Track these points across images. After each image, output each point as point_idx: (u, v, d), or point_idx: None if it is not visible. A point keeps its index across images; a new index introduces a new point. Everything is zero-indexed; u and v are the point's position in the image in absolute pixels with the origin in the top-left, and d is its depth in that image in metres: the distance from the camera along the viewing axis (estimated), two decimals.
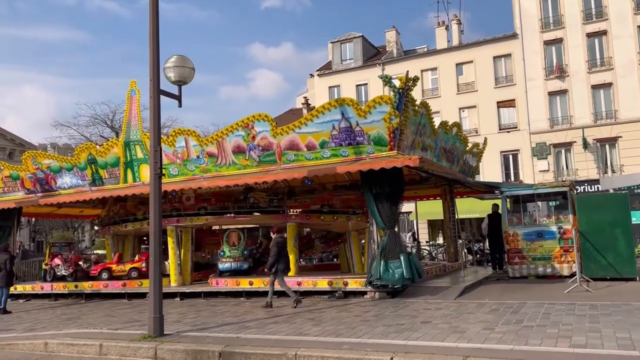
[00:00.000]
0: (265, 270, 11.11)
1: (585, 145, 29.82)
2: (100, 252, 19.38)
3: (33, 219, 32.46)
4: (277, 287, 10.78)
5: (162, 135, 11.74)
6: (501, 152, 31.87)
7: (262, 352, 6.69)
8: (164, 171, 9.67)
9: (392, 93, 10.88)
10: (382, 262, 10.77)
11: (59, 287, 14.75)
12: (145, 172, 13.40)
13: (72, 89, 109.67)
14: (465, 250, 19.68)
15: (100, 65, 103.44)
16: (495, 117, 32.66)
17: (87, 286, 14.41)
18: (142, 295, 13.05)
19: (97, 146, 15.31)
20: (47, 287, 14.98)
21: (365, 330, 7.56)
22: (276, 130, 11.83)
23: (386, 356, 6.02)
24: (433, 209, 20.94)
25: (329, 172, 11.61)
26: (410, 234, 26.03)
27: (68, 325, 9.76)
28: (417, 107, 11.60)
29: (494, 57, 33.09)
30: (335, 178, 14.93)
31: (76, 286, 14.53)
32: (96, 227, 19.25)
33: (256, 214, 14.26)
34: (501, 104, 32.73)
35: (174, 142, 13.06)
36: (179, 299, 12.77)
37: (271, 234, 11.73)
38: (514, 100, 32.23)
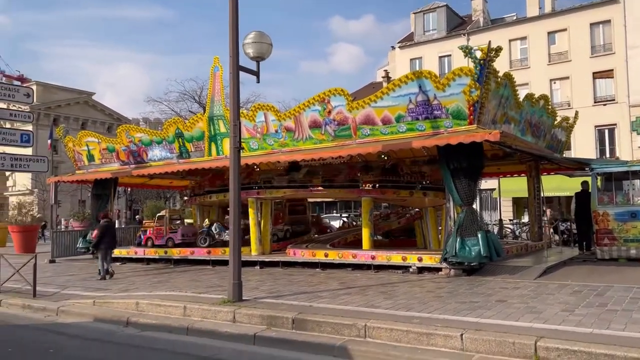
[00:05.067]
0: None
1: None
2: (189, 221, 20.45)
3: (129, 189, 34.80)
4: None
5: (242, 110, 12.17)
6: (595, 126, 29.82)
7: (333, 321, 6.87)
8: (243, 145, 10.04)
9: (473, 64, 10.48)
10: (458, 239, 10.58)
11: (150, 253, 15.86)
12: (228, 146, 13.91)
13: (161, 66, 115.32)
14: (551, 229, 18.78)
15: (185, 42, 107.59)
16: (590, 88, 30.51)
17: (175, 252, 15.37)
18: (226, 263, 13.66)
19: (184, 121, 16.10)
20: (140, 252, 16.16)
21: (437, 306, 7.52)
22: (352, 105, 11.82)
23: (456, 332, 5.98)
24: (518, 186, 20.11)
25: (405, 146, 11.47)
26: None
27: (157, 288, 10.52)
28: (499, 79, 11.10)
29: (591, 24, 30.76)
30: (412, 153, 14.74)
31: (165, 252, 15.56)
32: (185, 198, 20.34)
33: (332, 188, 14.41)
34: (597, 75, 30.48)
35: (254, 117, 13.45)
36: (258, 268, 13.31)
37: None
38: (612, 70, 29.89)
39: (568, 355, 5.24)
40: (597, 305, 7.22)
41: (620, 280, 9.25)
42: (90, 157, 17.55)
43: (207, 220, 16.38)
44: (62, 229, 28.67)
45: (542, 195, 15.44)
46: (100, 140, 17.43)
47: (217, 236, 15.54)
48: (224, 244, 15.31)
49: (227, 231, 15.37)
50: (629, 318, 6.35)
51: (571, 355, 5.23)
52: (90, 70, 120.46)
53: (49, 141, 22.46)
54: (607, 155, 29.64)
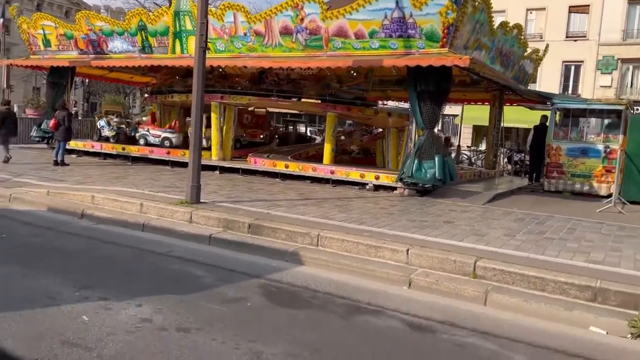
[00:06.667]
0: None
1: None
2: (145, 118, 20.05)
3: (87, 80, 33.41)
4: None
5: (211, 8, 11.60)
6: (563, 61, 30.03)
7: (288, 228, 7.09)
8: (210, 45, 9.66)
9: None
10: (415, 161, 10.83)
11: (107, 148, 15.58)
12: (193, 45, 13.39)
13: None
14: (506, 159, 19.42)
15: None
16: (564, 22, 30.35)
17: (134, 150, 15.16)
18: (185, 165, 13.61)
19: (149, 13, 15.26)
20: (97, 147, 15.84)
21: (388, 222, 7.85)
22: (326, 14, 11.45)
23: (402, 247, 6.30)
24: (480, 114, 20.40)
25: (375, 64, 11.37)
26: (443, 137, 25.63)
27: (114, 183, 10.46)
28: (477, 3, 10.91)
29: None
30: (381, 72, 14.60)
31: (123, 149, 15.32)
32: (145, 95, 19.78)
33: (296, 99, 14.27)
34: (573, 9, 30.24)
35: (222, 16, 12.87)
36: (218, 172, 13.35)
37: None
38: (588, 6, 29.66)
39: (503, 275, 5.65)
40: (537, 232, 7.70)
41: (562, 212, 9.81)
42: (47, 42, 16.61)
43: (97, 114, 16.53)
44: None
45: (502, 125, 15.79)
46: (57, 25, 16.43)
47: (101, 131, 16.44)
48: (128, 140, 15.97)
49: (109, 127, 16.50)
50: (563, 246, 6.83)
51: (506, 275, 5.63)
52: None
53: (1, 20, 20.98)
54: (570, 91, 30.16)
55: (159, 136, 15.39)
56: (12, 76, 20.22)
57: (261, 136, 17.21)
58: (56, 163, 12.97)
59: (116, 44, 15.17)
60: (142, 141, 15.61)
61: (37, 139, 17.00)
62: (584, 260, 6.15)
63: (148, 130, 15.74)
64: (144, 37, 14.50)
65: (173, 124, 16.00)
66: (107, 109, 19.34)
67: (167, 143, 15.24)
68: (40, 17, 16.93)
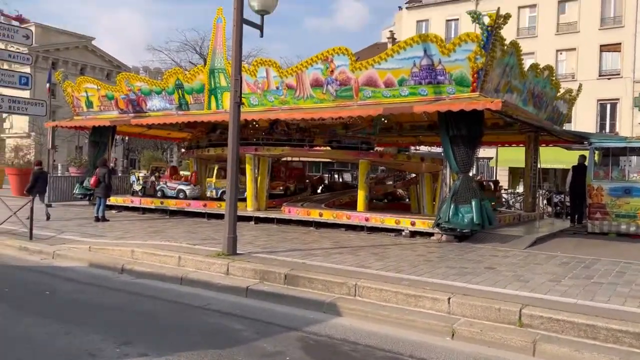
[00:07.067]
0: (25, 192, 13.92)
1: None
2: (186, 173, 20.59)
3: (126, 138, 34.67)
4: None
5: (244, 65, 12.01)
6: (598, 100, 29.62)
7: (324, 278, 7.02)
8: (244, 100, 9.96)
9: (480, 31, 10.32)
10: (452, 206, 10.67)
11: (146, 202, 15.96)
12: (228, 100, 13.82)
13: (164, 14, 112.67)
14: (545, 201, 18.94)
15: None
16: (596, 61, 30.14)
17: (171, 203, 15.48)
18: (221, 217, 13.82)
19: (185, 72, 15.91)
20: (136, 201, 16.26)
21: (427, 270, 7.67)
22: (355, 65, 11.69)
23: (443, 296, 6.13)
24: (515, 156, 20.15)
25: (406, 110, 11.43)
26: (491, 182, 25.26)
27: (153, 237, 10.65)
28: (505, 47, 10.96)
29: None
30: (412, 118, 14.68)
31: (162, 202, 15.67)
32: (182, 150, 20.35)
33: (330, 148, 14.43)
34: (604, 48, 30.06)
35: (255, 72, 13.30)
36: (253, 223, 13.46)
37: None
38: (619, 44, 29.47)
39: (551, 323, 5.40)
40: (584, 277, 7.38)
41: (609, 254, 9.41)
42: (89, 104, 17.42)
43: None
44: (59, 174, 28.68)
45: (538, 166, 15.50)
46: (99, 87, 17.26)
47: (132, 186, 17.25)
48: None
49: (138, 181, 17.51)
50: (613, 291, 6.51)
51: (554, 323, 5.38)
52: (90, 13, 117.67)
53: (47, 85, 22.14)
54: (607, 130, 29.58)
55: (175, 188, 16.06)
56: (56, 136, 21.14)
57: (294, 186, 17.38)
58: (97, 219, 13.34)
59: (154, 103, 15.78)
60: (159, 193, 16.37)
61: (80, 196, 17.61)
62: (637, 305, 5.83)
63: (166, 183, 16.41)
64: (181, 95, 15.06)
65: (190, 176, 16.44)
66: (156, 165, 19.99)
67: (181, 195, 15.83)
68: (83, 80, 17.86)
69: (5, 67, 15.80)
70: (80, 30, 63.75)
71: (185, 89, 14.94)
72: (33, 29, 41.43)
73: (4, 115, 47.26)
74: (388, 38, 41.31)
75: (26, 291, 7.20)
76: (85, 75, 29.43)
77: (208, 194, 15.71)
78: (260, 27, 9.14)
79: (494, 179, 25.56)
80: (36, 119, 40.62)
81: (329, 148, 14.64)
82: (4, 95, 13.49)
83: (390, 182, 17.45)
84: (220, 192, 15.33)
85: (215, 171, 15.66)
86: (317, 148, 14.51)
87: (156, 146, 47.77)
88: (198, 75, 14.75)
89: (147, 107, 16.01)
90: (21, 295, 6.98)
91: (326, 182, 20.86)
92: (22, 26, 20.16)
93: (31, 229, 10.48)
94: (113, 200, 16.28)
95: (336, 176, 23.31)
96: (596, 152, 12.79)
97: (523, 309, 5.61)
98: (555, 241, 11.35)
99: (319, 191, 18.76)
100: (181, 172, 20.87)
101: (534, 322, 5.48)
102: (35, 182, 13.70)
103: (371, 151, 13.88)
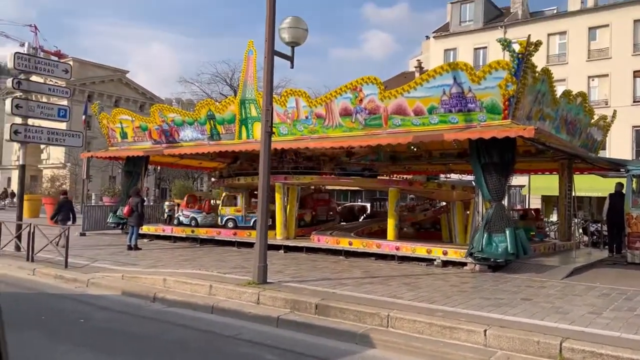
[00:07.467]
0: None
1: None
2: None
3: (158, 167, 35.41)
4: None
5: (274, 95, 12.20)
6: (633, 126, 28.98)
7: (356, 309, 6.91)
8: (274, 130, 10.05)
9: (510, 58, 10.28)
10: (485, 235, 10.47)
11: (177, 231, 16.14)
12: (258, 130, 14.01)
13: (194, 47, 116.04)
14: (581, 230, 18.40)
15: (219, 25, 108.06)
16: (630, 87, 29.62)
17: (202, 232, 15.62)
18: (250, 245, 13.87)
19: (216, 103, 16.25)
20: (167, 230, 16.46)
21: (461, 301, 7.49)
22: (384, 94, 11.74)
23: (480, 328, 5.95)
24: (548, 183, 19.75)
25: (436, 138, 11.36)
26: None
27: (184, 266, 10.72)
28: (537, 74, 10.87)
29: (635, 21, 29.73)
30: (442, 146, 14.58)
31: (192, 231, 15.82)
32: (213, 179, 20.62)
33: (358, 177, 14.44)
34: (638, 74, 29.51)
35: (285, 102, 13.48)
36: (282, 252, 13.43)
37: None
38: None
39: (594, 358, 5.18)
40: (626, 309, 7.09)
41: None
42: (124, 135, 17.88)
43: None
44: (92, 204, 29.38)
45: (573, 194, 15.13)
46: (134, 119, 17.73)
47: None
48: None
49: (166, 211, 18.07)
50: None
51: (597, 358, 5.16)
52: (124, 48, 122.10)
53: (83, 117, 22.92)
54: None
55: (188, 216, 16.37)
56: (91, 166, 21.73)
57: (326, 215, 17.41)
58: (130, 247, 13.53)
59: (187, 133, 16.10)
60: (175, 221, 16.80)
61: (113, 224, 17.95)
62: None
63: (182, 211, 16.73)
64: (213, 125, 15.34)
65: (203, 204, 16.62)
66: (193, 194, 20.16)
67: (193, 222, 16.17)
68: (118, 112, 18.40)
69: (44, 99, 16.44)
70: (114, 64, 66.09)
71: (217, 120, 15.21)
72: (71, 63, 43.15)
73: (42, 146, 48.99)
74: (415, 67, 41.51)
75: (61, 319, 7.29)
76: (120, 107, 30.38)
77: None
78: (291, 59, 9.30)
79: (535, 207, 25.01)
80: (72, 150, 41.92)
81: (359, 177, 14.64)
82: (43, 127, 14.01)
83: (422, 211, 17.24)
84: (225, 219, 15.56)
85: (222, 199, 15.90)
86: (346, 176, 14.50)
87: (187, 175, 48.53)
88: (229, 106, 15.03)
89: (180, 137, 16.33)
90: (56, 322, 7.07)
91: (368, 211, 20.75)
92: (62, 61, 20.95)
93: (66, 258, 10.69)
94: (145, 229, 16.51)
95: (378, 204, 23.14)
96: (634, 179, 12.42)
97: (564, 342, 5.40)
98: (593, 271, 10.97)
99: (360, 220, 18.83)
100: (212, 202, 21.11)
101: (576, 357, 5.27)
102: (59, 210, 14.27)
103: (400, 179, 13.81)
